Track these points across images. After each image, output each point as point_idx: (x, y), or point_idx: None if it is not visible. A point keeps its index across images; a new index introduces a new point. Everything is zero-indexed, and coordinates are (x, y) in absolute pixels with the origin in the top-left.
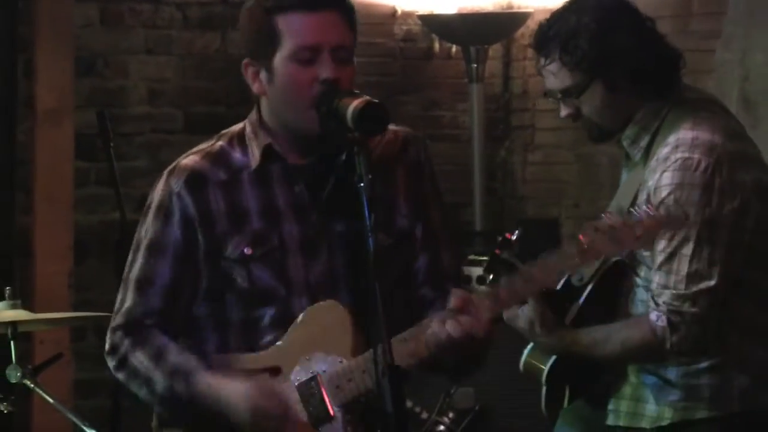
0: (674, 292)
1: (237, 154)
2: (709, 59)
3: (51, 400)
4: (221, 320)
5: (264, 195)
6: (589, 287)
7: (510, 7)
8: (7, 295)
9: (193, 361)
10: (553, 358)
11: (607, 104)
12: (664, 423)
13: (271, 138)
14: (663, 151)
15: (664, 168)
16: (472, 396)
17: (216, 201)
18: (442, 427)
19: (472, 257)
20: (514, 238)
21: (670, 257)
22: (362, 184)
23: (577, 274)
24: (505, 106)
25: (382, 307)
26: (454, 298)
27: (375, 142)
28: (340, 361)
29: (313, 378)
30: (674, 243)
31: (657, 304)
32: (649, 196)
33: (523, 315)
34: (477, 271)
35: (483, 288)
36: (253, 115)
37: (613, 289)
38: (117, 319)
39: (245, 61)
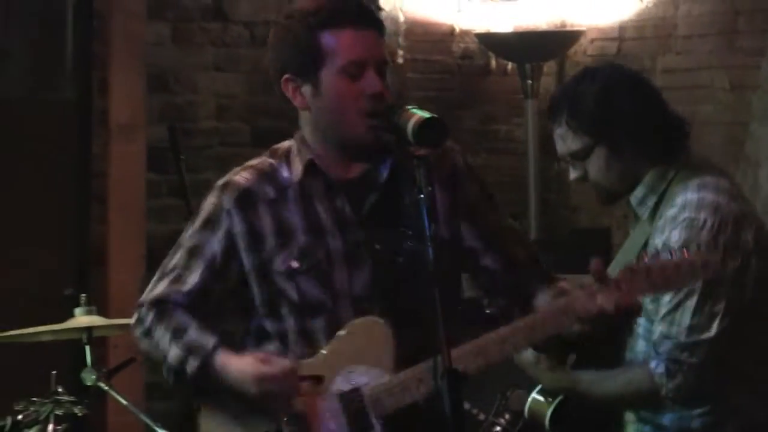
0: (675, 341)
1: (284, 171)
2: (755, 75)
3: (124, 402)
4: (282, 331)
5: (308, 210)
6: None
7: (563, 25)
8: (82, 302)
9: (212, 341)
10: (556, 403)
11: (611, 167)
12: None
13: (313, 153)
14: (671, 211)
15: (672, 227)
16: (526, 398)
17: (265, 218)
18: (498, 428)
19: None
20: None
21: (675, 308)
22: (422, 196)
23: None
24: None
25: (430, 314)
26: (593, 267)
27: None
28: (382, 376)
29: (356, 390)
30: (680, 295)
31: (657, 353)
32: (666, 237)
33: (531, 352)
34: None
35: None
36: (300, 131)
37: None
38: (146, 298)
39: (285, 76)
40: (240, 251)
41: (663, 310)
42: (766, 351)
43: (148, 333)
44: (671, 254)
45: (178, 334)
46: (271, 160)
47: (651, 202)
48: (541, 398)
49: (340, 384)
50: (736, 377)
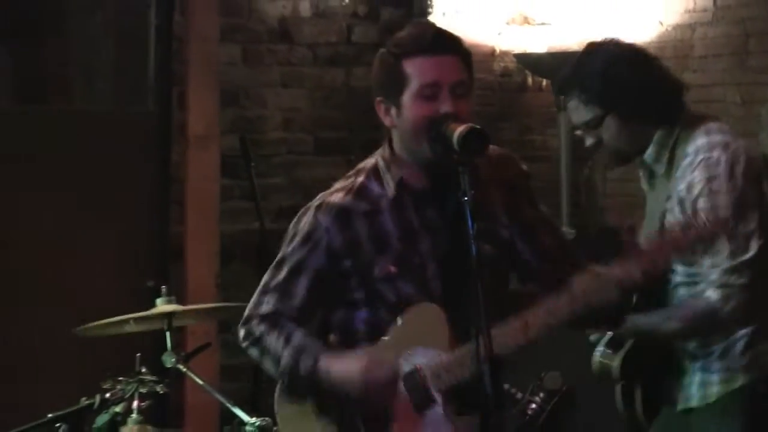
0: (722, 268)
1: (375, 187)
2: (764, 90)
3: (200, 382)
4: (375, 321)
5: (401, 220)
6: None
7: None
8: (163, 293)
9: (318, 344)
10: (621, 356)
11: (622, 132)
12: (711, 399)
13: (402, 171)
14: (686, 160)
15: (692, 170)
16: (559, 379)
17: (361, 230)
18: (533, 406)
19: None
20: None
21: None
22: (466, 199)
23: None
24: None
25: (485, 305)
26: (626, 239)
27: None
28: (439, 355)
29: (416, 370)
30: None
31: (708, 283)
32: (681, 199)
33: None
34: None
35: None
36: (386, 150)
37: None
38: (254, 314)
39: (378, 99)
40: (341, 261)
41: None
42: None
43: (258, 342)
44: (689, 218)
45: (289, 339)
46: (360, 179)
47: (664, 157)
48: (609, 350)
49: (403, 366)
50: None
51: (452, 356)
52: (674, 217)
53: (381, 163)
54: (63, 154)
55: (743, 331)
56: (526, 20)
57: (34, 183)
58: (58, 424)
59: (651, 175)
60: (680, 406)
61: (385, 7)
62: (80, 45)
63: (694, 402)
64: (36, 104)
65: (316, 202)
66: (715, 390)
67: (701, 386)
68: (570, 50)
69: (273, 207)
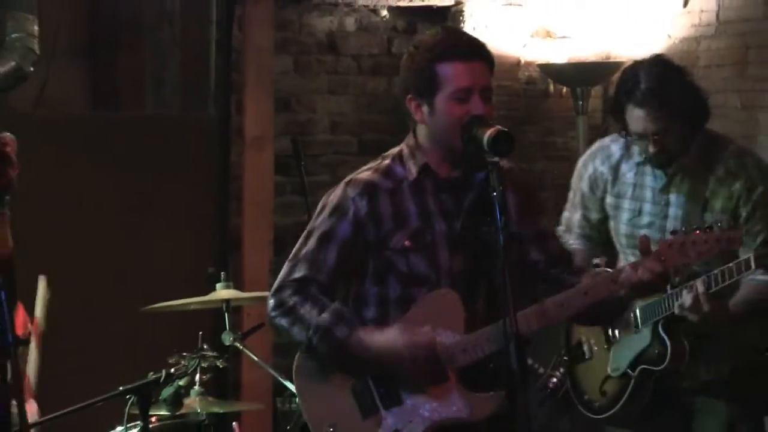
0: None
1: (399, 169)
2: (763, 97)
3: (255, 358)
4: (383, 297)
5: (420, 201)
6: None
7: (608, 57)
8: (222, 279)
9: (354, 315)
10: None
11: (681, 139)
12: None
13: (426, 158)
14: (729, 162)
15: (748, 172)
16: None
17: (384, 205)
18: (554, 380)
19: None
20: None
21: (755, 221)
22: (495, 194)
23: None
24: (604, 133)
25: (501, 288)
26: (641, 243)
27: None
28: (454, 337)
29: (430, 340)
30: (757, 213)
31: None
32: (737, 197)
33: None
34: None
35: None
36: (410, 139)
37: None
38: (286, 283)
39: (409, 96)
40: (365, 230)
41: (756, 228)
42: None
43: (290, 311)
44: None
45: (324, 308)
46: (386, 162)
47: (697, 158)
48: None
49: (415, 332)
50: None
51: (468, 338)
52: (715, 216)
53: (405, 150)
54: (134, 154)
55: None
56: (548, 34)
57: (109, 180)
58: (128, 396)
59: (674, 170)
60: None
61: (422, 21)
62: (150, 57)
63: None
64: (111, 110)
65: (347, 178)
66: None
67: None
68: (588, 61)
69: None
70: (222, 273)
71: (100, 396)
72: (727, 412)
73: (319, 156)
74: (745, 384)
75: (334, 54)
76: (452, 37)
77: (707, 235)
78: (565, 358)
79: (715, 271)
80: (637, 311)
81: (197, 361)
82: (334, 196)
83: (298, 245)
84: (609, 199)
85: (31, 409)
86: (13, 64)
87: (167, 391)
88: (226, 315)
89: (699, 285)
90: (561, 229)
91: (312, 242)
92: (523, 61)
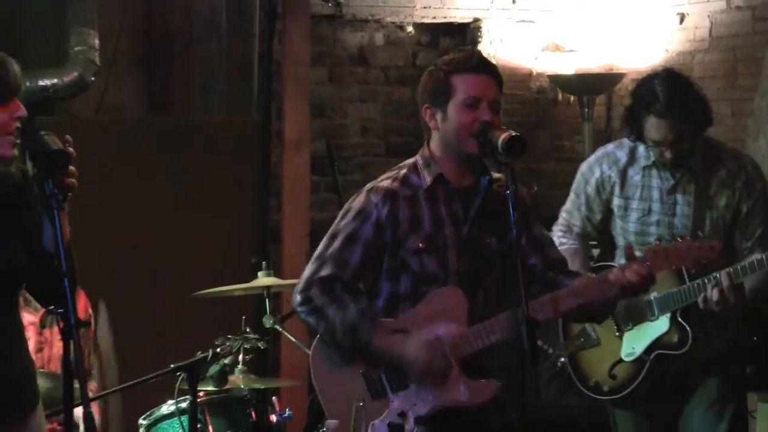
0: None
1: (414, 178)
2: (750, 105)
3: (293, 340)
4: (395, 291)
5: (433, 208)
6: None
7: (611, 69)
8: (263, 268)
9: (373, 319)
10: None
11: (692, 144)
12: None
13: (440, 168)
14: (729, 164)
15: (747, 173)
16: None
17: (402, 210)
18: (563, 359)
19: None
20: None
21: (757, 223)
22: (508, 192)
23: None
24: (608, 138)
25: (511, 281)
26: (626, 250)
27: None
28: (458, 329)
29: (438, 338)
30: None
31: None
32: (738, 195)
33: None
34: None
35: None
36: (425, 150)
37: None
38: (313, 281)
39: (425, 105)
40: (384, 232)
41: (756, 221)
42: None
43: (317, 311)
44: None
45: (346, 312)
46: (403, 171)
47: (699, 161)
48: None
49: (425, 335)
50: None
51: (471, 330)
52: (719, 212)
53: (420, 161)
54: (184, 154)
55: None
56: (557, 48)
57: (162, 178)
58: (178, 373)
59: (680, 173)
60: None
61: (443, 36)
62: (199, 67)
63: None
64: (164, 115)
65: (367, 187)
66: None
67: None
68: (593, 72)
69: None
70: (263, 262)
71: (153, 373)
72: (718, 389)
73: (351, 157)
74: (733, 363)
75: (364, 66)
76: (466, 54)
77: (688, 243)
78: (563, 347)
79: (741, 264)
80: (654, 301)
81: (241, 342)
82: (357, 201)
83: (322, 246)
84: (617, 201)
85: (91, 386)
86: (75, 74)
87: (214, 369)
88: (266, 300)
89: (724, 279)
90: (560, 228)
91: (337, 243)
92: (534, 73)
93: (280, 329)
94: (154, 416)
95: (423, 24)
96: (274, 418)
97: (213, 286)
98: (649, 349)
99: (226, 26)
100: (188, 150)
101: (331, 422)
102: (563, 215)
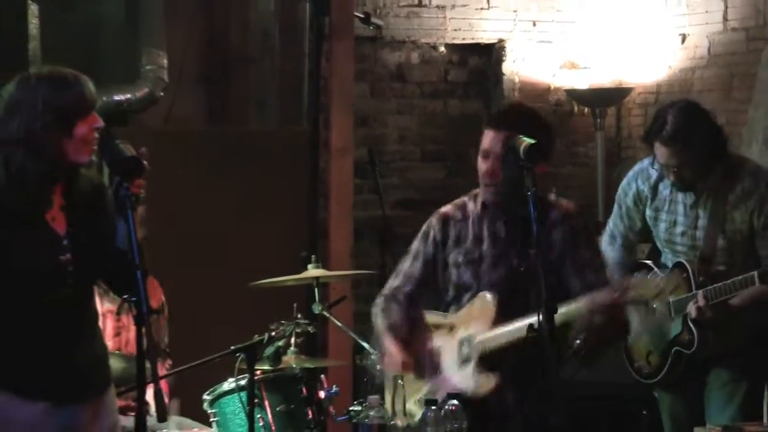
0: None
1: (471, 204)
2: (744, 116)
3: (339, 324)
4: (446, 300)
5: (478, 228)
6: None
7: (620, 84)
8: (312, 260)
9: (392, 335)
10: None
11: (698, 171)
12: None
13: (484, 196)
14: (745, 182)
15: (761, 190)
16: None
17: (452, 230)
18: (577, 341)
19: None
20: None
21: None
22: (530, 193)
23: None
24: (618, 145)
25: (534, 284)
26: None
27: (551, 209)
28: (488, 328)
29: (470, 336)
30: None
31: None
32: (752, 211)
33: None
34: None
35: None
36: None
37: None
38: (386, 290)
39: None
40: (438, 250)
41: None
42: None
43: (375, 315)
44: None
45: (383, 321)
46: (464, 198)
47: (720, 178)
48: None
49: (463, 332)
50: None
51: (498, 329)
52: (736, 225)
53: (477, 191)
54: (242, 161)
55: None
56: (573, 65)
57: (223, 182)
58: (238, 354)
59: (700, 193)
60: None
61: (472, 56)
62: (255, 83)
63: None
64: (224, 126)
65: (438, 210)
66: None
67: None
68: (604, 87)
69: (391, 199)
70: (312, 256)
71: (217, 353)
72: (731, 372)
73: (390, 162)
74: (747, 355)
75: (401, 82)
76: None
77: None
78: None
79: (718, 285)
80: (671, 303)
81: (293, 326)
82: (425, 225)
83: (401, 261)
84: (648, 212)
85: (166, 364)
86: (146, 90)
87: (269, 350)
88: (315, 290)
89: (700, 298)
90: (606, 237)
91: (408, 259)
92: (552, 87)
93: (328, 315)
94: (216, 392)
95: (453, 44)
96: (322, 393)
97: (268, 277)
98: (670, 345)
99: (279, 47)
100: (245, 157)
101: (372, 398)
102: (609, 225)
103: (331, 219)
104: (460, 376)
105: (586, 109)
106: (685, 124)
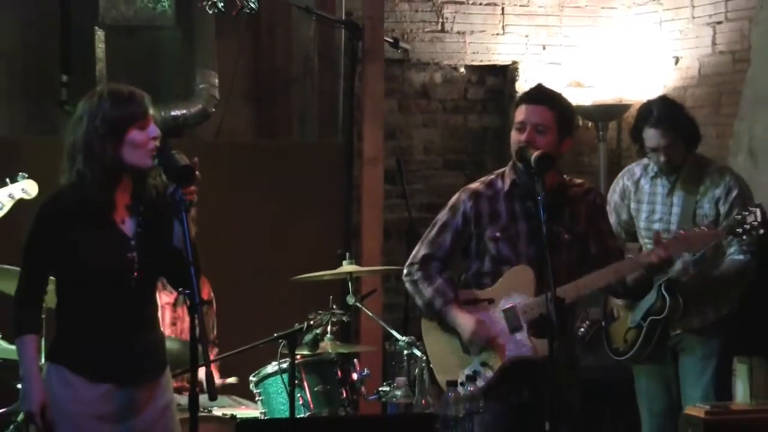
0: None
1: (499, 182)
2: (731, 129)
3: (370, 314)
4: (479, 270)
5: (510, 205)
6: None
7: (620, 101)
8: (347, 257)
9: (451, 294)
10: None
11: (682, 153)
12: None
13: (515, 175)
14: (714, 175)
15: (726, 182)
16: (600, 312)
17: (484, 206)
18: (582, 329)
19: None
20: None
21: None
22: (540, 198)
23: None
24: (618, 155)
25: (555, 268)
26: (654, 237)
27: (571, 188)
28: (527, 298)
29: (513, 306)
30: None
31: (740, 251)
32: (718, 198)
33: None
34: None
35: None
36: (511, 162)
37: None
38: (415, 259)
39: None
40: (469, 223)
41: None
42: None
43: (414, 283)
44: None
45: (432, 283)
46: (491, 177)
47: (691, 171)
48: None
49: (504, 303)
50: None
51: (537, 300)
52: (704, 211)
53: (507, 169)
54: (286, 170)
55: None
56: (578, 84)
57: (268, 188)
58: (280, 340)
59: (674, 180)
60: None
61: (489, 76)
62: (297, 100)
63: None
64: (268, 138)
65: (465, 187)
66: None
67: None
68: (606, 103)
69: (416, 203)
70: (347, 253)
71: (261, 340)
72: (703, 348)
73: (416, 171)
74: (720, 329)
75: (426, 99)
76: (530, 88)
77: (700, 231)
78: (603, 322)
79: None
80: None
81: (329, 316)
82: (452, 199)
83: (426, 232)
84: (632, 205)
85: (215, 350)
86: (199, 106)
87: (308, 337)
88: (349, 283)
89: (686, 254)
90: None
91: (435, 230)
92: None
93: (360, 306)
94: (261, 374)
95: (473, 66)
96: (355, 376)
97: (308, 272)
98: (644, 316)
99: (317, 68)
100: (288, 166)
101: (400, 379)
102: None
103: (363, 221)
104: (514, 344)
105: (590, 123)
106: (670, 107)
